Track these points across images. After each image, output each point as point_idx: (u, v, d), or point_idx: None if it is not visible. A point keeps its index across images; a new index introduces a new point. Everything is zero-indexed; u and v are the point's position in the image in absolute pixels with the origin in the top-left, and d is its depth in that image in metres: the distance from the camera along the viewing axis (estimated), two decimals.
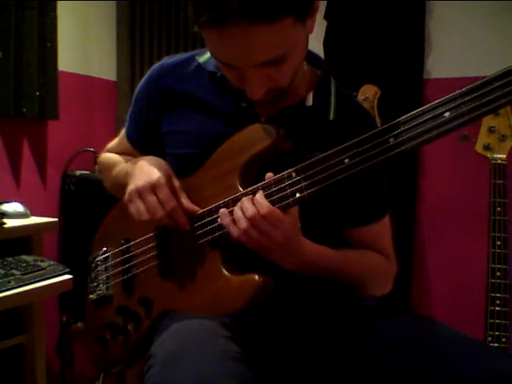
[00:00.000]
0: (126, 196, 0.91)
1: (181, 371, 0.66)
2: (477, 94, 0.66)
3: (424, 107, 0.70)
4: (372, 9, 2.31)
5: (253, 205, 0.79)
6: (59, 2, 1.97)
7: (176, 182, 0.91)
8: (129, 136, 1.09)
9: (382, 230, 1.01)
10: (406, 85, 2.30)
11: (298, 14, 0.74)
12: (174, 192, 0.89)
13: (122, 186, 0.98)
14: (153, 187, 0.88)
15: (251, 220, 0.78)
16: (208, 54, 0.97)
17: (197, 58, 0.98)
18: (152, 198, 0.87)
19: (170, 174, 0.91)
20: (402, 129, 0.71)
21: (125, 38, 2.36)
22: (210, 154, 0.92)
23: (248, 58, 0.75)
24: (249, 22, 0.70)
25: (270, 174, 0.82)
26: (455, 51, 2.27)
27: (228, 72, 0.83)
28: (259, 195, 0.80)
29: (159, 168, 0.91)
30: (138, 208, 0.89)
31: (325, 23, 2.40)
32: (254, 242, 0.80)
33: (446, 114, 0.68)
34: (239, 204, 0.81)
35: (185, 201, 0.89)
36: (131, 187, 0.90)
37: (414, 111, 0.71)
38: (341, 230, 0.99)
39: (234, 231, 0.80)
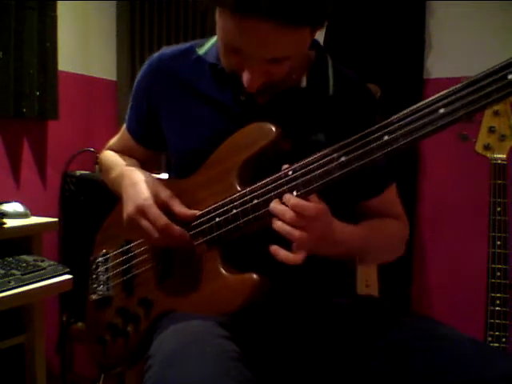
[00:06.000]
0: (125, 225, 0.92)
1: (180, 371, 0.66)
2: (471, 90, 0.67)
3: (419, 104, 0.71)
4: (372, 9, 2.31)
5: (289, 209, 0.76)
6: (59, 2, 1.97)
7: (164, 194, 0.90)
8: (129, 127, 1.09)
9: (392, 196, 1.02)
10: (406, 85, 2.30)
11: (314, 27, 0.79)
12: (164, 205, 0.88)
13: (118, 192, 1.00)
14: (140, 212, 0.87)
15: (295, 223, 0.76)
16: (207, 45, 0.97)
17: (196, 49, 0.98)
18: (144, 223, 0.87)
19: (156, 189, 0.90)
20: (397, 125, 0.72)
21: (125, 37, 2.36)
22: (210, 146, 0.91)
23: (260, 51, 0.77)
24: (274, 22, 0.72)
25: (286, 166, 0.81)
26: (455, 51, 2.27)
27: (229, 57, 0.83)
28: (291, 197, 0.77)
29: (144, 187, 0.90)
30: (138, 234, 0.90)
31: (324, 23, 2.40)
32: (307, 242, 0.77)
33: (441, 111, 0.68)
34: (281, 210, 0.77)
35: (179, 208, 0.89)
36: (125, 217, 0.91)
37: (410, 108, 0.72)
38: (354, 206, 1.00)
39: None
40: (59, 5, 1.97)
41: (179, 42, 1.05)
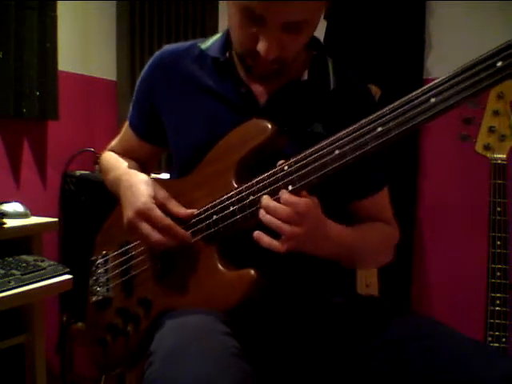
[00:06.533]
0: (126, 229, 0.92)
1: (181, 368, 0.66)
2: (460, 78, 0.67)
3: (410, 94, 0.71)
4: (372, 9, 2.31)
5: (281, 205, 0.77)
6: (59, 2, 1.97)
7: (161, 195, 0.90)
8: (132, 124, 1.10)
9: (384, 200, 1.02)
10: (406, 85, 2.29)
11: None
12: (162, 206, 0.89)
13: (117, 193, 1.00)
14: (140, 215, 0.87)
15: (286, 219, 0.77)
16: (210, 41, 0.99)
17: (199, 45, 0.99)
18: (143, 225, 0.87)
19: (153, 191, 0.90)
20: (390, 116, 0.72)
21: (125, 37, 2.36)
22: (211, 137, 0.92)
23: (285, 12, 0.78)
24: None
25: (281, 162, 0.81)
26: (455, 51, 2.27)
27: (245, 29, 0.83)
28: (284, 192, 0.79)
29: (141, 189, 0.90)
30: (139, 238, 0.90)
31: (325, 23, 2.40)
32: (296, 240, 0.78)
33: (432, 100, 0.69)
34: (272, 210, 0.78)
35: (176, 208, 0.89)
36: (125, 221, 0.91)
37: (401, 99, 0.72)
38: (346, 206, 1.00)
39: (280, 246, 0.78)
40: (59, 5, 1.97)
41: (179, 42, 1.06)
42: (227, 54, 0.95)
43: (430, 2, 2.30)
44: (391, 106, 0.73)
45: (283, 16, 0.79)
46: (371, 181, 0.99)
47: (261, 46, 0.82)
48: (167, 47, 1.03)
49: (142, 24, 2.40)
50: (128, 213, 0.90)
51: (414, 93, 0.71)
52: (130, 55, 2.38)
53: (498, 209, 1.34)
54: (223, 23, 2.66)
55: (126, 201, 0.92)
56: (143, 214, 0.87)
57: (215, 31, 2.66)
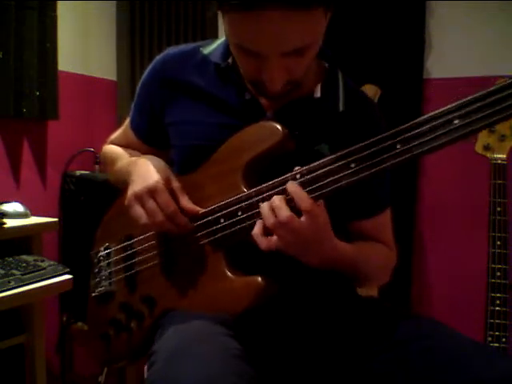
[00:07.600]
0: (126, 201, 0.90)
1: (183, 368, 0.66)
2: (488, 102, 0.64)
3: (433, 113, 0.68)
4: (372, 8, 2.31)
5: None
6: (59, 2, 1.97)
7: (175, 184, 0.90)
8: (133, 125, 1.09)
9: (385, 221, 1.01)
10: (406, 85, 2.30)
11: (327, 6, 0.74)
12: (173, 194, 0.88)
13: (124, 182, 0.98)
14: (151, 192, 0.86)
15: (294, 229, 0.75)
16: (213, 46, 0.97)
17: (201, 49, 0.97)
18: (150, 203, 0.86)
19: (168, 176, 0.90)
20: (410, 135, 0.69)
21: (125, 37, 2.36)
22: (214, 146, 0.91)
23: (278, 45, 0.74)
24: (285, 9, 0.69)
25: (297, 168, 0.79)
26: (455, 51, 2.27)
27: (246, 62, 0.81)
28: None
29: (157, 171, 0.90)
30: (137, 213, 0.88)
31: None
32: (292, 247, 0.78)
33: (456, 122, 0.65)
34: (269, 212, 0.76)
35: (186, 202, 0.88)
36: (130, 193, 0.89)
37: (423, 117, 0.69)
38: (346, 223, 0.99)
39: (267, 244, 0.77)
40: (59, 5, 1.97)
41: (179, 43, 1.05)
42: (229, 60, 0.93)
43: (430, 2, 2.31)
44: (412, 123, 0.69)
45: (279, 49, 0.75)
46: (374, 203, 0.98)
47: (266, 78, 0.80)
48: (169, 51, 1.01)
49: (142, 24, 2.40)
50: (136, 186, 0.88)
51: (437, 111, 0.67)
52: (130, 55, 2.38)
53: (498, 209, 1.34)
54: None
55: (137, 177, 0.90)
56: (153, 192, 0.86)
57: (215, 31, 2.66)
